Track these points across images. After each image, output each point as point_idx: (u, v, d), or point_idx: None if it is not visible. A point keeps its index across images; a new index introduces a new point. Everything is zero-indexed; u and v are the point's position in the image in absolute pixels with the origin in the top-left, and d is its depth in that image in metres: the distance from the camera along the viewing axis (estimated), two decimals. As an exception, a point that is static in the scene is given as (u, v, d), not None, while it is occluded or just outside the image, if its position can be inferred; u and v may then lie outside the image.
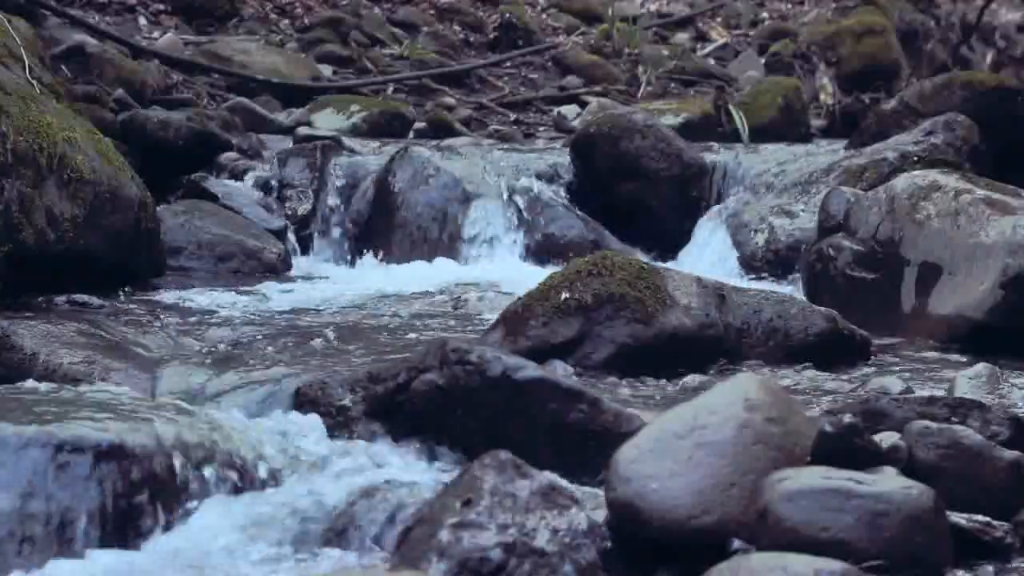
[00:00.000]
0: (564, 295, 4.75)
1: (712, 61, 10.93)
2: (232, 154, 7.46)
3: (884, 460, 3.23)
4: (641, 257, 6.15)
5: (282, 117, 8.49)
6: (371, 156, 7.53)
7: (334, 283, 6.52)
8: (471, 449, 3.46)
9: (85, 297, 5.59)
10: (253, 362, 4.72)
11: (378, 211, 7.20)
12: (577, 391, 3.64)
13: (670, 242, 7.10)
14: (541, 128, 9.24)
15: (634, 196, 7.22)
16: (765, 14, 12.08)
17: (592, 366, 4.67)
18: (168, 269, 6.38)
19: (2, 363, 4.66)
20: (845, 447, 3.17)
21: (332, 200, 7.29)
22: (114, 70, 8.28)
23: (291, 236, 7.15)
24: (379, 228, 7.17)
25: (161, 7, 9.93)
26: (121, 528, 3.26)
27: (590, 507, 3.13)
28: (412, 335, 5.24)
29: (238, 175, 7.35)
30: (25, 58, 6.75)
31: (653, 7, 12.00)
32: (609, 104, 9.01)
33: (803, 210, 6.75)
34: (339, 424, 3.77)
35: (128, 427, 3.44)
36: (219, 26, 9.97)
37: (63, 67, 8.09)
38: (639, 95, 9.91)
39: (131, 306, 5.61)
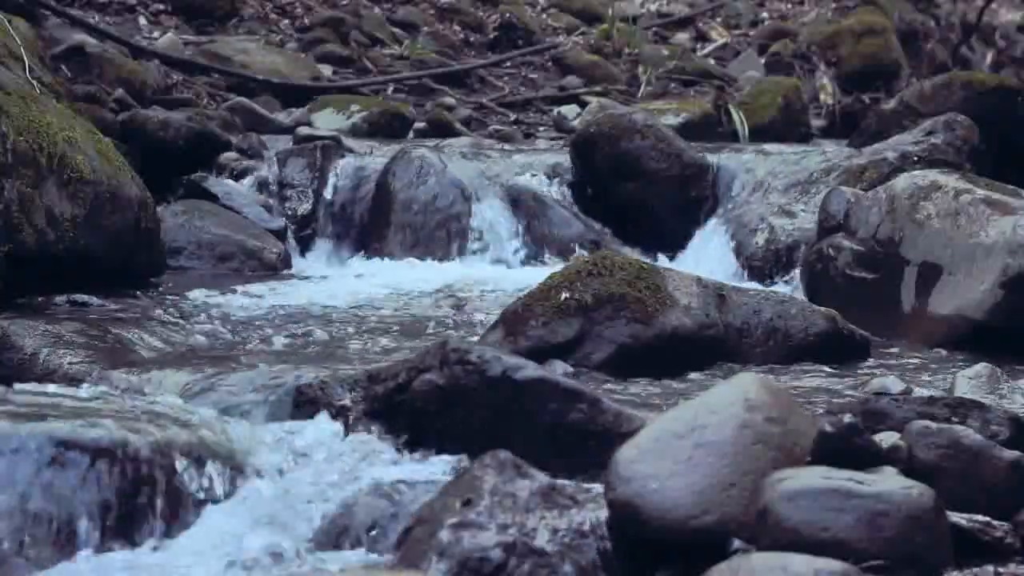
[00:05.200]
0: (564, 295, 4.75)
1: (712, 61, 10.92)
2: (232, 154, 7.46)
3: (884, 460, 3.23)
4: (641, 257, 6.16)
5: (282, 117, 8.48)
6: (371, 156, 7.53)
7: (334, 283, 6.52)
8: (471, 449, 3.46)
9: (85, 297, 5.58)
10: (253, 362, 4.72)
11: (378, 211, 7.20)
12: (577, 391, 3.64)
13: (670, 242, 7.10)
14: (541, 128, 9.23)
15: (634, 196, 7.22)
16: (765, 14, 12.08)
17: (592, 366, 4.67)
18: (168, 269, 6.38)
19: (2, 363, 4.66)
20: (845, 447, 3.17)
21: (332, 200, 7.29)
22: (114, 70, 8.28)
23: (291, 236, 7.15)
24: (379, 228, 7.17)
25: (161, 7, 9.93)
26: (121, 528, 3.26)
27: (590, 507, 3.13)
28: (412, 335, 5.24)
29: (238, 175, 7.35)
30: (25, 58, 6.75)
31: (653, 7, 12.00)
32: (609, 104, 9.00)
33: (803, 210, 6.75)
34: (339, 424, 3.77)
35: (128, 427, 3.44)
36: (219, 26, 9.97)
37: (63, 67, 8.09)
38: (639, 95, 9.90)
39: (131, 306, 5.61)
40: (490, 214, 7.16)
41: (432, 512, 3.11)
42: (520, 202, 7.21)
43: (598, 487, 3.31)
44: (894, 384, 4.35)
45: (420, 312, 5.77)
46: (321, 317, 5.59)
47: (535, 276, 5.41)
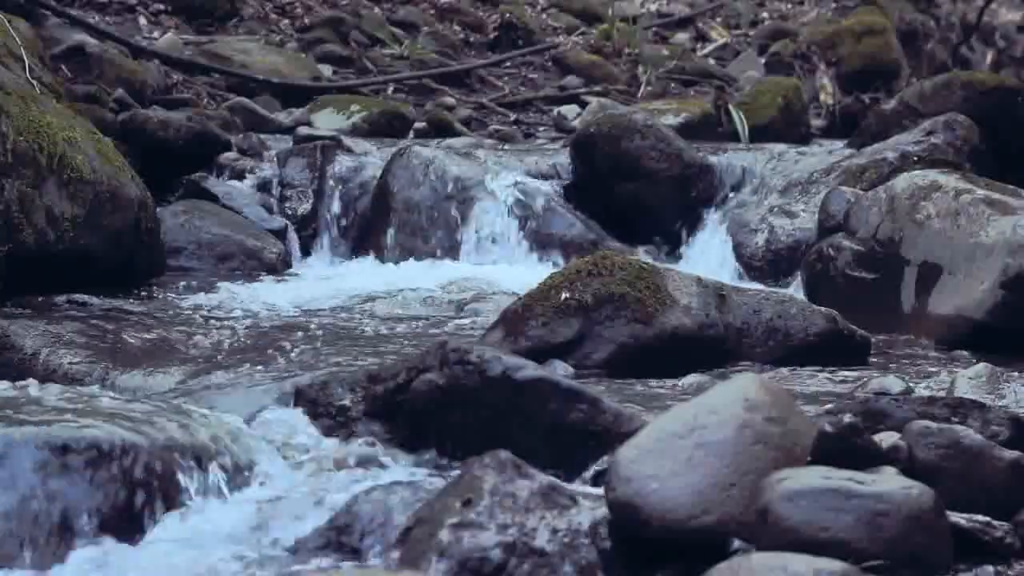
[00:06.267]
0: (564, 295, 4.75)
1: (712, 61, 10.92)
2: (232, 154, 7.46)
3: (884, 460, 3.23)
4: (641, 257, 6.16)
5: (282, 117, 8.48)
6: (371, 156, 7.53)
7: (334, 283, 6.52)
8: (471, 449, 3.46)
9: (85, 297, 5.58)
10: (253, 362, 4.72)
11: (378, 211, 7.20)
12: (577, 391, 3.64)
13: (670, 242, 7.10)
14: (541, 128, 9.23)
15: (634, 196, 7.22)
16: (765, 14, 12.08)
17: (592, 366, 4.67)
18: (168, 269, 6.38)
19: (2, 363, 4.66)
20: (845, 447, 3.17)
21: (332, 200, 7.29)
22: (114, 70, 8.27)
23: (291, 236, 7.15)
24: (379, 228, 7.17)
25: (161, 7, 9.93)
26: (121, 528, 3.26)
27: (590, 507, 3.13)
28: (412, 335, 5.25)
29: (238, 175, 7.35)
30: (25, 58, 6.75)
31: (653, 7, 12.00)
32: (609, 104, 9.00)
33: (803, 210, 6.75)
34: (339, 424, 3.77)
35: (128, 427, 3.44)
36: (219, 26, 9.97)
37: (63, 67, 8.09)
38: (639, 95, 9.90)
39: (131, 306, 5.61)
40: (490, 214, 7.16)
41: (432, 512, 3.11)
42: (520, 202, 7.21)
43: (598, 487, 3.31)
44: (894, 384, 4.35)
45: (420, 312, 5.77)
46: (321, 317, 5.59)
47: (535, 276, 5.41)
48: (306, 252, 7.21)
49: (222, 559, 3.19)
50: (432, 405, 3.67)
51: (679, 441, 3.12)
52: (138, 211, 6.11)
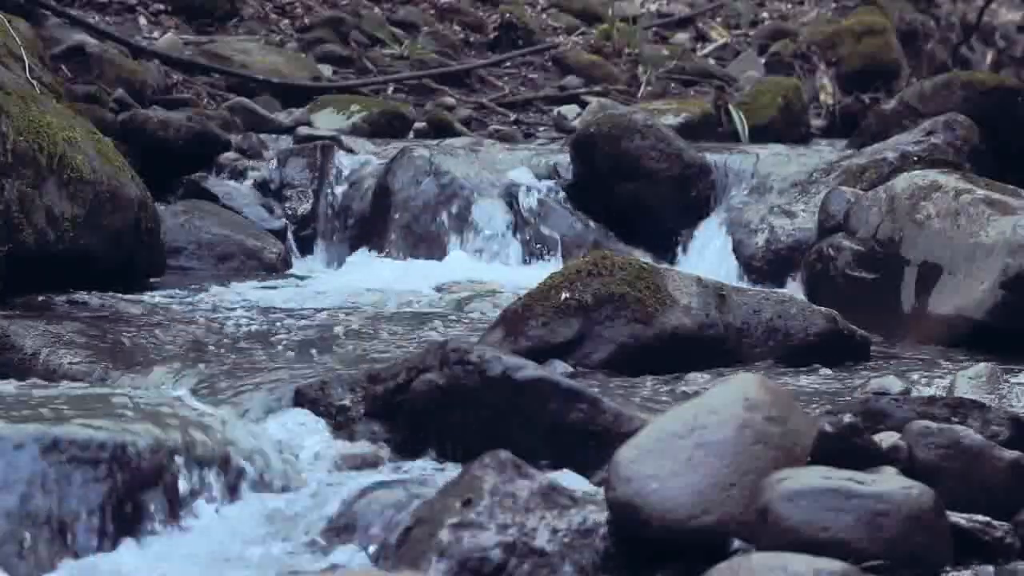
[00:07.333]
0: (564, 295, 4.75)
1: (712, 61, 10.92)
2: (232, 154, 7.46)
3: (884, 460, 3.23)
4: (641, 257, 6.16)
5: (282, 117, 8.48)
6: (371, 156, 7.53)
7: (334, 283, 6.52)
8: (471, 449, 3.46)
9: (85, 297, 5.59)
10: (253, 362, 4.72)
11: (378, 211, 7.20)
12: (577, 391, 3.64)
13: (670, 242, 7.10)
14: (541, 128, 9.23)
15: (634, 196, 7.22)
16: (765, 14, 12.08)
17: (592, 366, 4.67)
18: (168, 269, 6.38)
19: (2, 363, 4.66)
20: (845, 447, 3.17)
21: (332, 200, 7.29)
22: (114, 70, 8.27)
23: (291, 236, 7.15)
24: (379, 228, 7.17)
25: (161, 7, 9.92)
26: (121, 529, 3.26)
27: (590, 507, 3.13)
28: (412, 335, 5.24)
29: (238, 175, 7.35)
30: (25, 58, 6.75)
31: (653, 7, 11.99)
32: (609, 104, 9.00)
33: (803, 210, 6.75)
34: (339, 424, 3.77)
35: (128, 427, 3.44)
36: (219, 26, 9.96)
37: (63, 67, 8.09)
38: (639, 95, 9.90)
39: (131, 306, 5.61)
40: (490, 214, 7.16)
41: (432, 512, 3.11)
42: (520, 202, 7.21)
43: (598, 487, 3.31)
44: (894, 384, 4.35)
45: (420, 312, 5.77)
46: (321, 317, 5.59)
47: (535, 276, 5.41)
48: (306, 252, 7.21)
49: (222, 560, 3.19)
50: (432, 405, 3.67)
51: (679, 441, 3.12)
52: (138, 211, 6.11)
